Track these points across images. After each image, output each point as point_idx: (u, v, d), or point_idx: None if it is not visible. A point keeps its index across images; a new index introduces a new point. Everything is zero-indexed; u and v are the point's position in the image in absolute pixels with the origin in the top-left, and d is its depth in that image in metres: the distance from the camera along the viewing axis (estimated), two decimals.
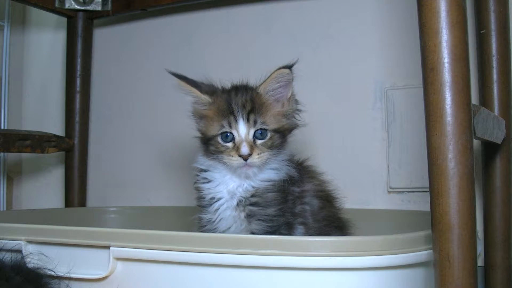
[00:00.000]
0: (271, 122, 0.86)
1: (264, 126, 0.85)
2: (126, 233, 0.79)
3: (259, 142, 0.85)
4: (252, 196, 0.84)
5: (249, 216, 0.84)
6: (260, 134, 0.85)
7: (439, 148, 0.64)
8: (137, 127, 1.53)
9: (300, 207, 0.86)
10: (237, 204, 0.85)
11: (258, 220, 0.83)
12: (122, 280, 0.78)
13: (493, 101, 1.02)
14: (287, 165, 0.87)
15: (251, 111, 0.85)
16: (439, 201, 0.64)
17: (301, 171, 0.89)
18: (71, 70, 1.47)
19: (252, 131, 0.85)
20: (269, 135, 0.85)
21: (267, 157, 0.84)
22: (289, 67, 0.85)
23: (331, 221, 0.88)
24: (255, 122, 0.85)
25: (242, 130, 0.84)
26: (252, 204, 0.84)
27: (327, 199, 0.90)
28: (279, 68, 0.85)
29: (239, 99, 0.86)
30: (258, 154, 0.84)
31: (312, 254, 0.67)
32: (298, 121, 0.88)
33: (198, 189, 0.90)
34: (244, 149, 0.83)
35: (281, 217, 0.83)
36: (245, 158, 0.83)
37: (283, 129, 0.86)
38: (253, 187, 0.85)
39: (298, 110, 0.89)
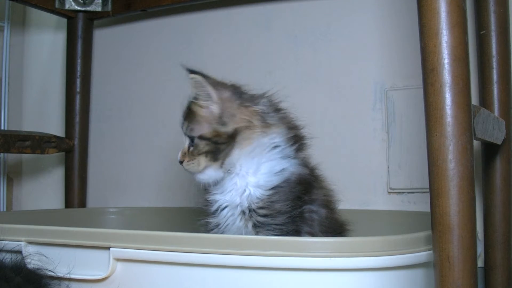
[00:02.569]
0: (199, 128, 0.84)
1: (191, 133, 0.85)
2: (126, 234, 0.79)
3: (191, 149, 0.85)
4: (260, 208, 0.82)
5: (257, 226, 0.82)
6: (191, 141, 0.85)
7: (439, 149, 0.64)
8: (137, 128, 1.53)
9: (308, 215, 0.84)
10: (242, 213, 0.83)
11: (268, 230, 0.81)
12: (122, 281, 0.78)
13: (493, 102, 1.02)
14: (293, 164, 0.84)
15: (186, 116, 0.86)
16: (439, 201, 0.64)
17: (312, 176, 0.87)
18: (71, 71, 1.47)
19: (186, 138, 0.86)
20: (195, 141, 0.84)
21: (197, 164, 0.83)
22: (191, 72, 0.83)
23: (334, 229, 0.87)
24: (186, 129, 0.85)
25: (183, 137, 0.86)
26: (261, 216, 0.82)
27: (332, 207, 0.89)
28: (188, 73, 0.84)
29: (186, 104, 0.87)
30: (187, 161, 0.84)
31: (312, 255, 0.67)
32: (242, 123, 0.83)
33: (206, 191, 0.89)
34: (179, 155, 0.85)
35: (290, 224, 0.81)
36: (181, 165, 0.85)
37: (211, 135, 0.83)
38: (257, 197, 0.83)
39: (243, 109, 0.84)
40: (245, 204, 0.83)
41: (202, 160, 0.84)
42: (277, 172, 0.83)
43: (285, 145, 0.85)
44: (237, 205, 0.84)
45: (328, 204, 0.88)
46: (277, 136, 0.85)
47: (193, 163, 0.84)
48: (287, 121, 0.87)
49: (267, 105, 0.86)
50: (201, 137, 0.84)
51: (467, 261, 0.63)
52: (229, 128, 0.83)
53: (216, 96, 0.83)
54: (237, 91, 0.86)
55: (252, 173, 0.84)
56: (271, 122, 0.85)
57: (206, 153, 0.83)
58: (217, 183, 0.86)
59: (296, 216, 0.82)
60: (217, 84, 0.85)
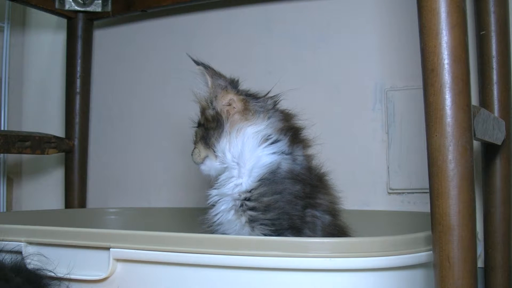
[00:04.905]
0: (199, 117, 0.89)
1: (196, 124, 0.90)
2: (126, 234, 0.79)
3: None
4: (248, 200, 0.82)
5: (251, 221, 0.82)
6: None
7: (439, 149, 0.64)
8: (137, 128, 1.53)
9: (310, 219, 0.84)
10: (233, 207, 0.83)
11: (261, 225, 0.81)
12: (122, 281, 0.78)
13: (493, 102, 1.02)
14: (285, 159, 0.84)
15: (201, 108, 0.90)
16: (439, 202, 0.64)
17: (320, 182, 0.88)
18: (71, 71, 1.48)
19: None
20: (195, 130, 0.89)
21: (198, 152, 0.87)
22: (196, 63, 0.88)
23: (337, 235, 0.86)
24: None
25: None
26: (250, 209, 0.82)
27: (337, 215, 0.88)
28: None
29: None
30: (192, 151, 0.89)
31: (311, 255, 0.67)
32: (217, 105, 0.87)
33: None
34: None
35: (285, 221, 0.81)
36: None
37: (203, 120, 0.88)
38: (246, 189, 0.83)
39: (227, 92, 0.87)
40: (235, 196, 0.83)
41: (202, 149, 0.87)
42: (265, 165, 0.83)
43: (276, 139, 0.85)
44: (228, 197, 0.84)
45: (333, 211, 0.87)
46: (266, 127, 0.85)
47: (194, 153, 0.88)
48: (282, 117, 0.87)
49: (265, 102, 0.87)
50: (198, 125, 0.89)
51: (467, 261, 0.63)
52: (214, 111, 0.86)
53: (211, 83, 0.87)
54: (234, 83, 0.88)
55: (241, 165, 0.84)
56: (258, 112, 0.86)
57: (201, 139, 0.87)
58: (218, 176, 0.87)
59: (294, 214, 0.81)
60: (216, 74, 0.88)
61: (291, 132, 0.87)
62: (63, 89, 1.51)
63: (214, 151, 0.86)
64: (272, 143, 0.85)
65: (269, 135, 0.85)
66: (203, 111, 0.88)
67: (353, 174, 1.26)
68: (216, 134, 0.85)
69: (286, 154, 0.85)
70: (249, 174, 0.84)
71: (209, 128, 0.86)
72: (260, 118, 0.85)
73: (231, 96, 0.86)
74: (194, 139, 0.90)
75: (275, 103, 0.88)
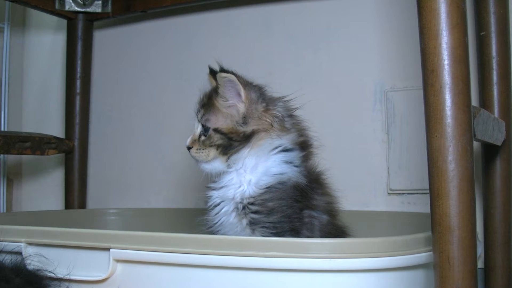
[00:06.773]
0: (217, 121, 0.86)
1: (207, 123, 0.86)
2: (126, 235, 0.79)
3: (202, 138, 0.86)
4: (252, 204, 0.82)
5: (252, 224, 0.82)
6: (204, 130, 0.86)
7: (439, 150, 0.64)
8: (137, 129, 1.53)
9: (308, 219, 0.84)
10: (236, 209, 0.83)
11: (262, 227, 0.82)
12: (122, 282, 0.78)
13: (493, 103, 1.02)
14: (295, 171, 0.84)
15: (203, 106, 0.87)
16: (439, 202, 0.64)
17: (316, 183, 0.88)
18: (71, 72, 1.48)
19: (199, 126, 0.87)
20: (209, 132, 0.85)
21: (207, 154, 0.85)
22: (222, 70, 0.85)
23: (335, 234, 0.87)
24: (201, 117, 0.87)
25: (195, 123, 0.88)
26: (253, 212, 0.82)
27: (334, 214, 0.89)
28: (219, 72, 0.85)
29: (205, 93, 0.89)
30: (196, 149, 0.86)
31: (312, 256, 0.67)
32: (267, 123, 0.84)
33: (207, 188, 0.89)
34: (187, 140, 0.87)
35: (286, 223, 0.81)
36: (189, 150, 0.87)
37: (227, 131, 0.84)
38: (250, 194, 0.83)
39: (266, 112, 0.85)
40: (238, 200, 0.84)
41: (212, 152, 0.85)
42: (274, 174, 0.84)
43: (292, 151, 0.85)
44: (231, 200, 0.84)
45: (331, 210, 0.88)
46: (287, 141, 0.85)
47: (202, 153, 0.85)
48: (299, 128, 0.88)
49: (283, 108, 0.87)
50: (216, 130, 0.85)
51: (467, 262, 0.63)
52: (248, 128, 0.84)
53: (245, 96, 0.84)
54: (262, 93, 0.87)
55: (249, 171, 0.84)
56: (287, 126, 0.86)
57: (218, 146, 0.85)
58: (218, 175, 0.87)
59: (294, 216, 0.82)
60: (247, 85, 0.86)
61: (306, 146, 0.87)
62: (63, 90, 1.51)
63: (229, 158, 0.85)
64: (284, 151, 0.85)
65: (287, 148, 0.85)
66: (227, 118, 0.85)
67: (353, 174, 1.26)
68: (240, 147, 0.84)
69: (296, 166, 0.85)
70: (256, 181, 0.84)
71: (234, 140, 0.84)
72: (287, 133, 0.86)
73: (268, 116, 0.85)
74: (203, 140, 0.86)
75: (292, 114, 0.88)
